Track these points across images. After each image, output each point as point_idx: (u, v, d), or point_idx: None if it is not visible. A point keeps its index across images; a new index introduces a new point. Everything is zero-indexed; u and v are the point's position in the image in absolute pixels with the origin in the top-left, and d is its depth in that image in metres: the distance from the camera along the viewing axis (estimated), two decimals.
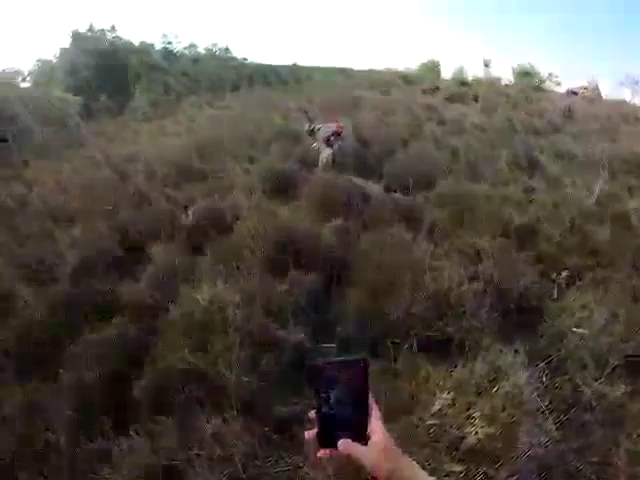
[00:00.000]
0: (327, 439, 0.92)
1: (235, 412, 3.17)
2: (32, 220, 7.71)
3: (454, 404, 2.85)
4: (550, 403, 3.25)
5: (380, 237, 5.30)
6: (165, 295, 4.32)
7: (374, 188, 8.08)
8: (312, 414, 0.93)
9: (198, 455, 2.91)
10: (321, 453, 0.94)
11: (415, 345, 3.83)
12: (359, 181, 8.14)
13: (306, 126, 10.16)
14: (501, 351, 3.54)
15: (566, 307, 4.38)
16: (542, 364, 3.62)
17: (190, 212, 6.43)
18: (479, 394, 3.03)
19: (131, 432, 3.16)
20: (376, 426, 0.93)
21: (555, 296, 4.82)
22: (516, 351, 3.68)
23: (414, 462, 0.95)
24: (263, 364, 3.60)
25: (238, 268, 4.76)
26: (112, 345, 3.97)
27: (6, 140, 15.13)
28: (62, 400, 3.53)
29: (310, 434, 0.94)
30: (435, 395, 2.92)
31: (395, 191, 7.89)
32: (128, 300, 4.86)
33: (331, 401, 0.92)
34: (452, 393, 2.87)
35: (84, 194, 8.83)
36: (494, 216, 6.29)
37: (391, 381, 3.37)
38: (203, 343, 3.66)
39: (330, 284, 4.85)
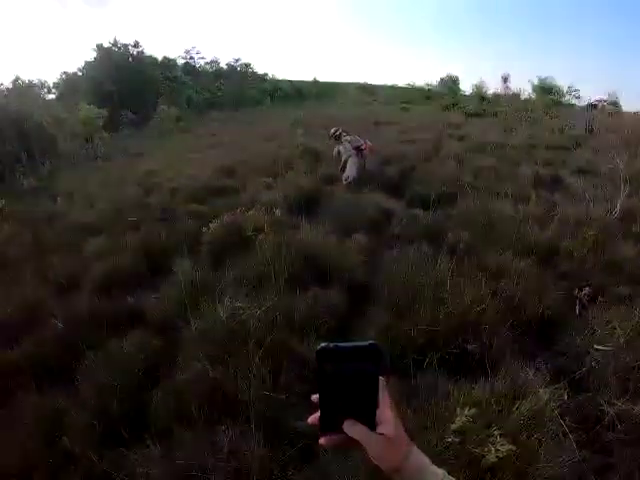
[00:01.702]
0: (329, 423, 0.86)
1: (253, 426, 3.20)
2: (58, 232, 7.89)
3: (474, 422, 2.85)
4: (571, 421, 3.23)
5: (402, 254, 5.32)
6: (186, 308, 4.37)
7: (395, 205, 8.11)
8: (315, 397, 0.87)
9: (214, 468, 2.94)
10: (323, 440, 0.87)
11: (435, 362, 3.83)
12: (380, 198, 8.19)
13: (332, 130, 10.34)
14: (522, 368, 3.53)
15: (588, 324, 4.34)
16: (564, 382, 3.59)
17: (213, 227, 6.49)
18: (500, 412, 3.02)
19: (148, 442, 3.21)
20: (386, 415, 0.87)
21: (577, 313, 4.79)
22: (537, 369, 3.68)
23: (425, 456, 0.92)
24: (282, 378, 3.63)
25: (260, 283, 4.81)
26: (132, 356, 4.04)
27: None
28: (80, 409, 3.59)
29: (313, 419, 0.87)
30: (455, 413, 2.91)
31: (417, 208, 7.91)
32: (149, 312, 4.95)
33: (336, 384, 0.84)
34: (472, 411, 2.86)
35: (109, 207, 9.01)
36: (516, 233, 6.26)
37: (411, 398, 3.37)
38: (223, 356, 3.70)
39: (351, 300, 4.87)
